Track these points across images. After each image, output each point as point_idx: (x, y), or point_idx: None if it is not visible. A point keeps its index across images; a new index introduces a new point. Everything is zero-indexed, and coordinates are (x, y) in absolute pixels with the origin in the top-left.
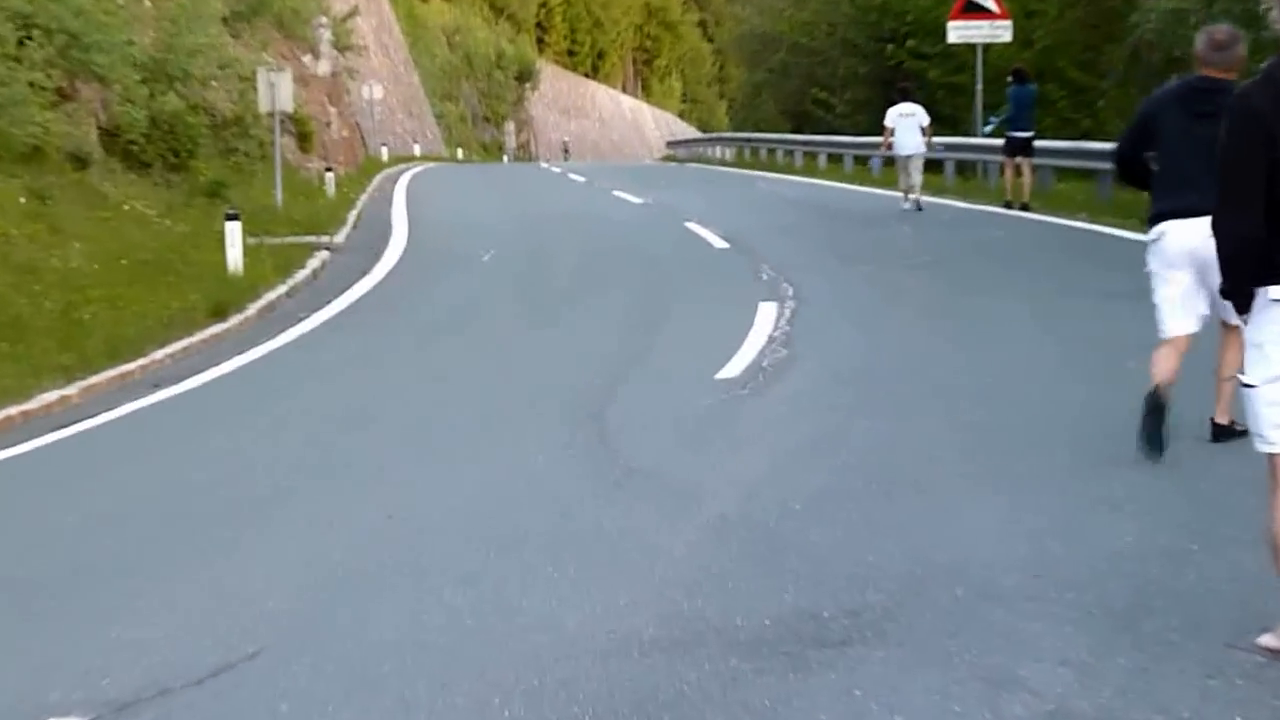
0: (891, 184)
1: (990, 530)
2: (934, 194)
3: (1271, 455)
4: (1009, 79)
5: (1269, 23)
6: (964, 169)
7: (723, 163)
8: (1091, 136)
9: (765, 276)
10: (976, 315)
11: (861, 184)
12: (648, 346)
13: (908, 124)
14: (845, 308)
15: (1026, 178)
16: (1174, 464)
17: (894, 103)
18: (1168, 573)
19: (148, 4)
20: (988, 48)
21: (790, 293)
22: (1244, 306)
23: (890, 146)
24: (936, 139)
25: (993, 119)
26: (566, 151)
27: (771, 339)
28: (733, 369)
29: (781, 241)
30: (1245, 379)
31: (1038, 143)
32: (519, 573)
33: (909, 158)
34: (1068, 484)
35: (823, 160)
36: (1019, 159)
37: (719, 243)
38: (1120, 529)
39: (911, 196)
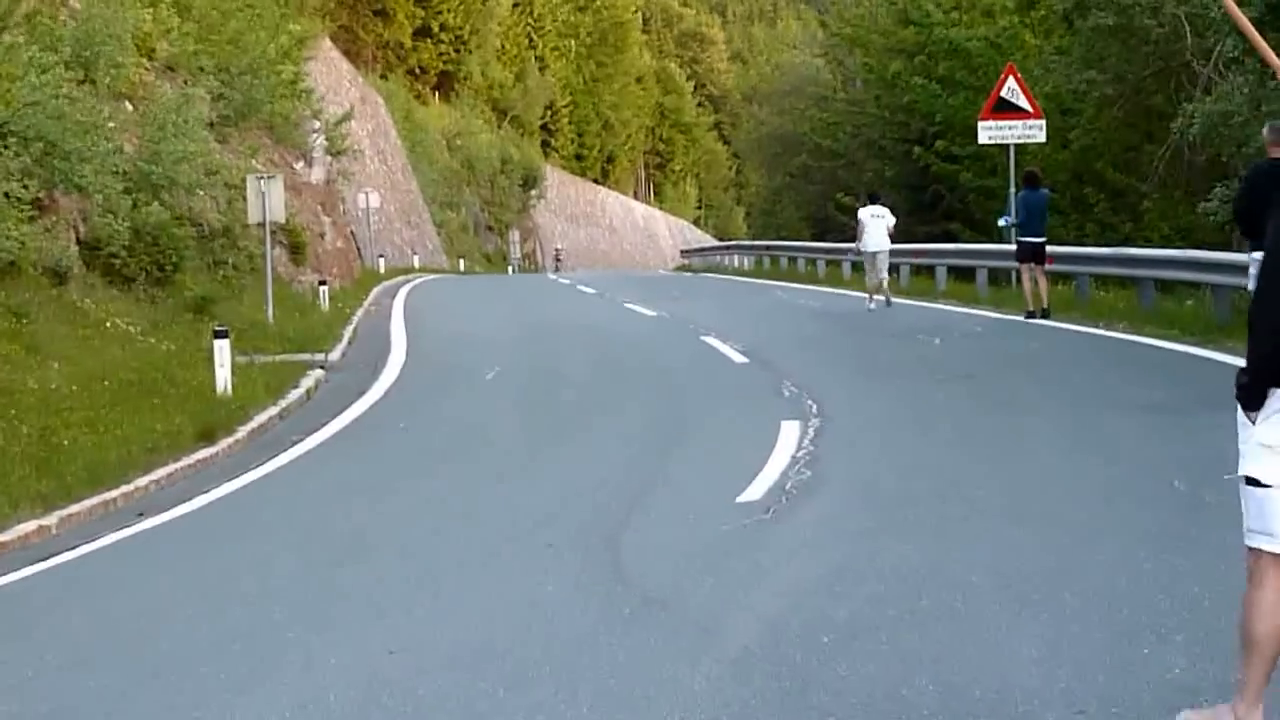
0: (925, 293)
1: (1030, 661)
2: (965, 304)
3: (1258, 554)
4: (1022, 183)
5: None
6: (997, 278)
7: (740, 272)
8: (1132, 241)
9: (787, 393)
10: (1012, 432)
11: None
12: (663, 468)
13: (876, 224)
14: (873, 426)
15: (1041, 284)
16: (1224, 590)
17: (864, 205)
18: None
19: (130, 108)
20: (1021, 149)
21: (814, 410)
22: (1255, 404)
23: (859, 247)
24: (960, 244)
25: (1006, 217)
26: (559, 260)
27: (795, 459)
28: (754, 492)
29: (804, 355)
30: (1258, 477)
31: (1071, 249)
32: (530, 711)
33: (875, 255)
34: (1113, 611)
35: (847, 269)
36: (1033, 266)
37: (738, 357)
38: (1169, 660)
39: (878, 296)
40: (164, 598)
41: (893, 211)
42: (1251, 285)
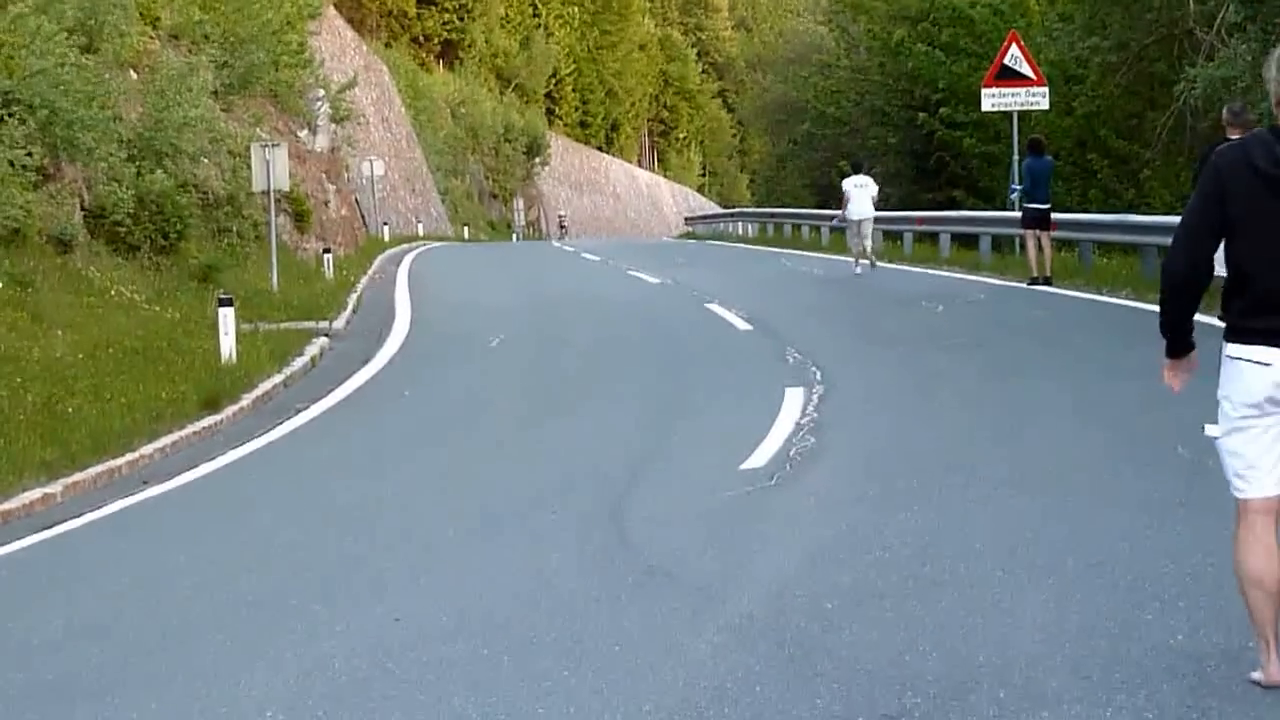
0: (928, 260)
1: (1035, 628)
2: (969, 271)
3: (1241, 500)
4: (1026, 150)
5: None
6: (1000, 245)
7: (744, 239)
8: (1135, 208)
9: (791, 360)
10: (1016, 400)
11: (892, 260)
12: (667, 436)
13: (861, 194)
14: (877, 393)
15: (1047, 251)
16: (1227, 556)
17: (847, 175)
18: (1222, 673)
19: (134, 76)
20: (1024, 116)
21: (818, 377)
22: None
23: (844, 215)
24: (964, 211)
25: (1014, 187)
26: (563, 228)
27: (799, 427)
28: (758, 459)
29: (808, 323)
30: (1210, 431)
31: (1074, 215)
32: (534, 679)
33: (860, 222)
34: (1117, 578)
35: (825, 235)
36: (1038, 232)
37: (742, 324)
38: (1173, 626)
39: (864, 261)
40: (168, 566)
41: (879, 181)
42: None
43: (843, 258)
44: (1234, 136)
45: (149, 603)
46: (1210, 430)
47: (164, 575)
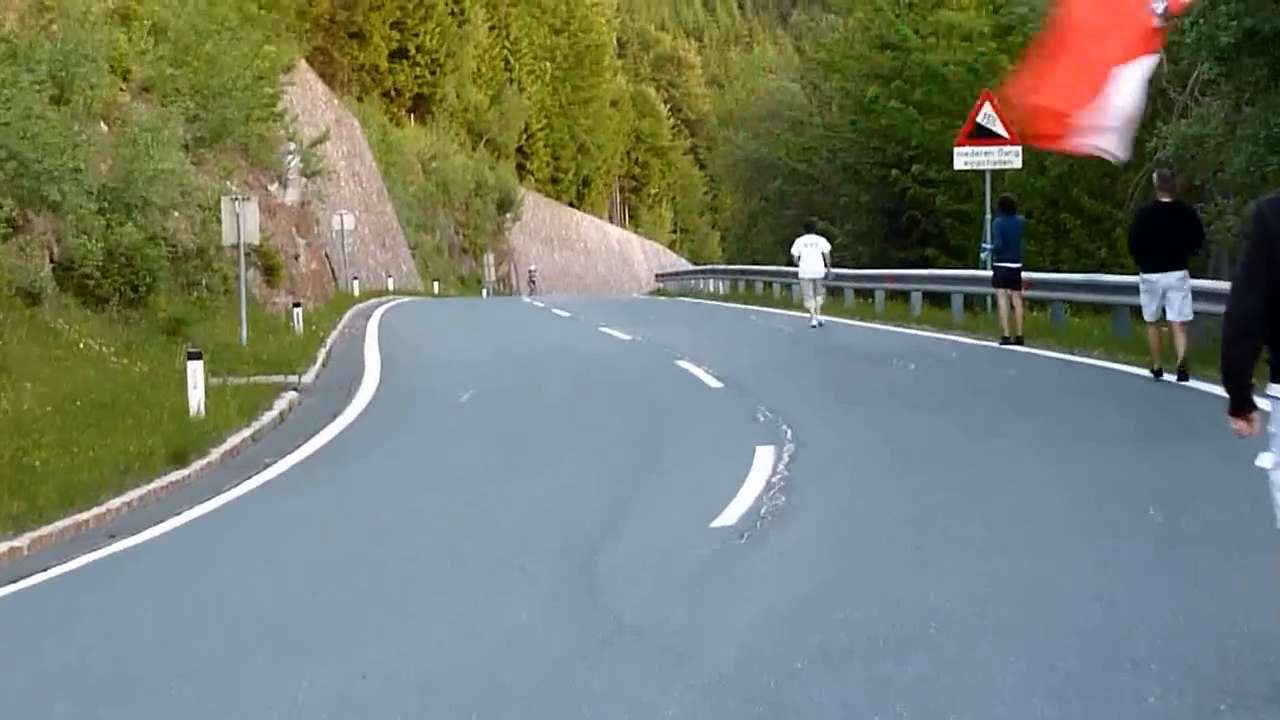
0: (899, 319)
1: (1006, 689)
2: (940, 330)
3: None
4: (997, 209)
5: None
6: (972, 303)
7: (715, 296)
8: (1108, 268)
9: (762, 418)
10: (987, 460)
11: (863, 318)
12: (637, 493)
13: (811, 252)
14: (848, 452)
15: (1018, 310)
16: (1199, 618)
17: (799, 235)
18: None
19: (104, 128)
20: (997, 174)
21: (789, 435)
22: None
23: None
24: (935, 270)
25: (985, 245)
26: (533, 282)
27: (770, 485)
28: (729, 517)
29: (779, 380)
30: (1260, 462)
31: (1046, 275)
32: None
33: (813, 281)
34: (1089, 639)
35: (777, 290)
36: (1009, 291)
37: (712, 382)
38: (1145, 687)
39: (817, 318)
40: (135, 621)
41: (850, 239)
42: (1144, 303)
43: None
44: (1164, 199)
45: (115, 658)
46: (1261, 461)
47: (130, 630)
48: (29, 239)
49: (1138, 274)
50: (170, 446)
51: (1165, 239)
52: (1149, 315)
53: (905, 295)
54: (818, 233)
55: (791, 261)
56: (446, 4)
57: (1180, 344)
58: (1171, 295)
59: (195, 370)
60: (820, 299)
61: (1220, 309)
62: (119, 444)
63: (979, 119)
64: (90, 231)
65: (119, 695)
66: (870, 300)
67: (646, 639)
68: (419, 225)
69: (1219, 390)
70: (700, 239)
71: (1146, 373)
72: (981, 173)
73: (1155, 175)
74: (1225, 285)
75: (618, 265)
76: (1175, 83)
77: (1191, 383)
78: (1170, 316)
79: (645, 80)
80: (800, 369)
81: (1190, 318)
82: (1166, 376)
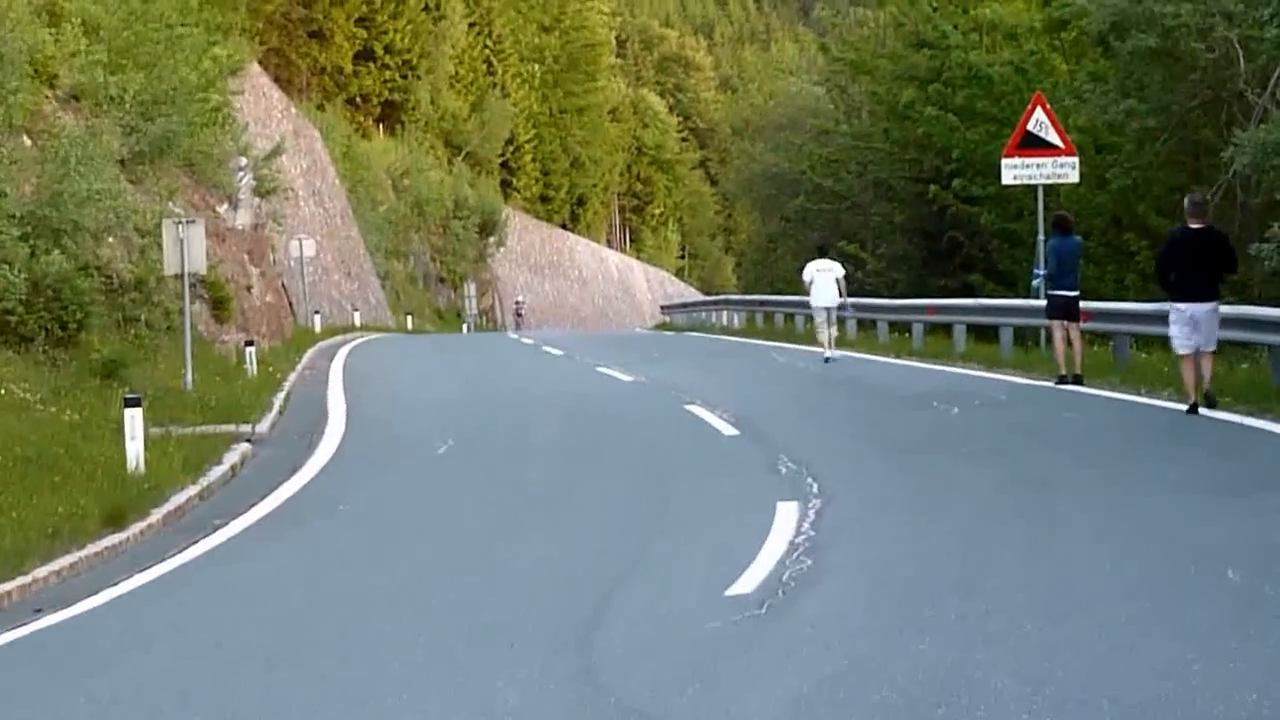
0: (940, 355)
1: None
2: (988, 368)
3: None
4: (1052, 229)
5: None
6: (1024, 338)
7: (730, 330)
8: None
9: (784, 470)
10: (1042, 516)
11: (899, 355)
12: (643, 557)
13: (825, 278)
14: (882, 508)
15: (1076, 345)
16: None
17: (812, 259)
18: None
19: (28, 143)
20: (1050, 190)
21: (815, 489)
22: None
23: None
24: (981, 299)
25: (1037, 272)
26: (520, 315)
27: (793, 546)
28: (747, 583)
29: (803, 426)
30: None
31: (1108, 304)
32: None
33: (829, 310)
34: None
35: (851, 328)
36: (1066, 323)
37: (727, 429)
38: None
39: (832, 351)
40: (64, 708)
41: (883, 263)
42: (1174, 334)
43: (842, 351)
44: (1194, 225)
45: None
46: None
47: (60, 719)
48: None
49: (1174, 307)
50: (105, 507)
51: (1197, 268)
52: (1182, 347)
53: (947, 328)
54: (833, 257)
55: (804, 289)
56: None
57: (1206, 373)
58: (1202, 327)
59: (133, 419)
60: (835, 330)
61: None
62: (46, 504)
63: (1029, 126)
64: (12, 261)
65: None
66: (907, 334)
67: None
68: (390, 251)
69: None
70: (712, 265)
71: (1226, 416)
72: (1033, 188)
73: (1187, 200)
74: None
75: (617, 295)
76: (1253, 83)
77: (1278, 426)
78: (1200, 348)
79: (648, 84)
80: (827, 413)
81: (1214, 348)
82: (1203, 410)
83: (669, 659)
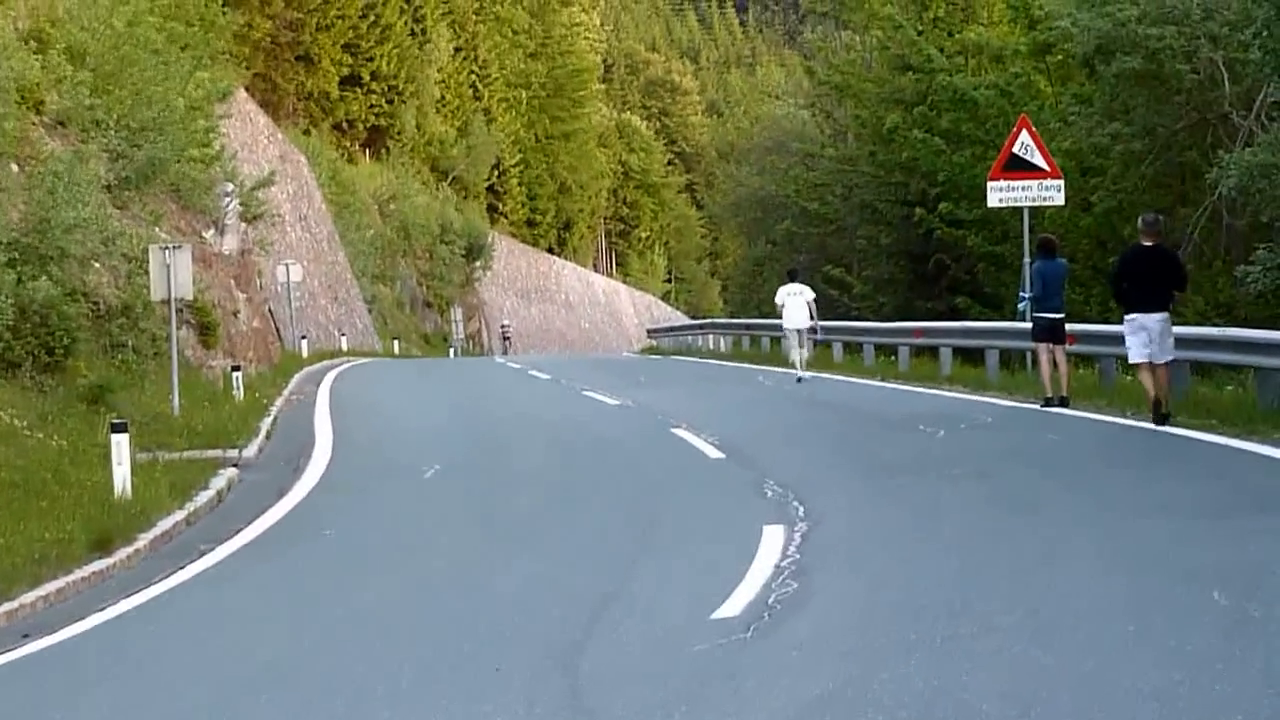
0: (927, 378)
1: None
2: (974, 391)
3: None
4: (1037, 252)
5: None
6: (1010, 360)
7: (716, 354)
8: None
9: (770, 493)
10: (1029, 539)
11: (885, 378)
12: (628, 581)
13: (795, 302)
14: (868, 531)
15: (1062, 368)
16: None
17: (784, 283)
18: None
19: (15, 170)
20: (1036, 213)
21: (801, 513)
22: None
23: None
24: (967, 322)
25: (1024, 294)
26: (507, 339)
27: (779, 570)
28: (733, 607)
29: (789, 450)
30: None
31: (1094, 327)
32: None
33: (799, 332)
34: None
35: (838, 351)
36: (1052, 346)
37: (713, 452)
38: None
39: (802, 372)
40: None
41: (870, 286)
42: (1130, 345)
43: (827, 374)
44: (1147, 243)
45: None
46: None
47: None
48: None
49: (1127, 318)
50: (92, 532)
51: (1149, 281)
52: (1138, 356)
53: (933, 351)
54: (801, 281)
55: (776, 313)
56: (405, 23)
57: (1160, 388)
58: (1155, 336)
59: (120, 444)
60: (806, 351)
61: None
62: (33, 530)
63: (1015, 149)
64: None
65: None
66: (893, 358)
67: None
68: (376, 276)
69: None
70: (698, 289)
71: (1211, 438)
72: (1018, 211)
73: (1140, 219)
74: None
75: (604, 320)
76: (1238, 105)
77: (1264, 448)
78: (1152, 359)
79: (634, 108)
80: (813, 436)
81: (1171, 358)
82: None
83: (655, 681)
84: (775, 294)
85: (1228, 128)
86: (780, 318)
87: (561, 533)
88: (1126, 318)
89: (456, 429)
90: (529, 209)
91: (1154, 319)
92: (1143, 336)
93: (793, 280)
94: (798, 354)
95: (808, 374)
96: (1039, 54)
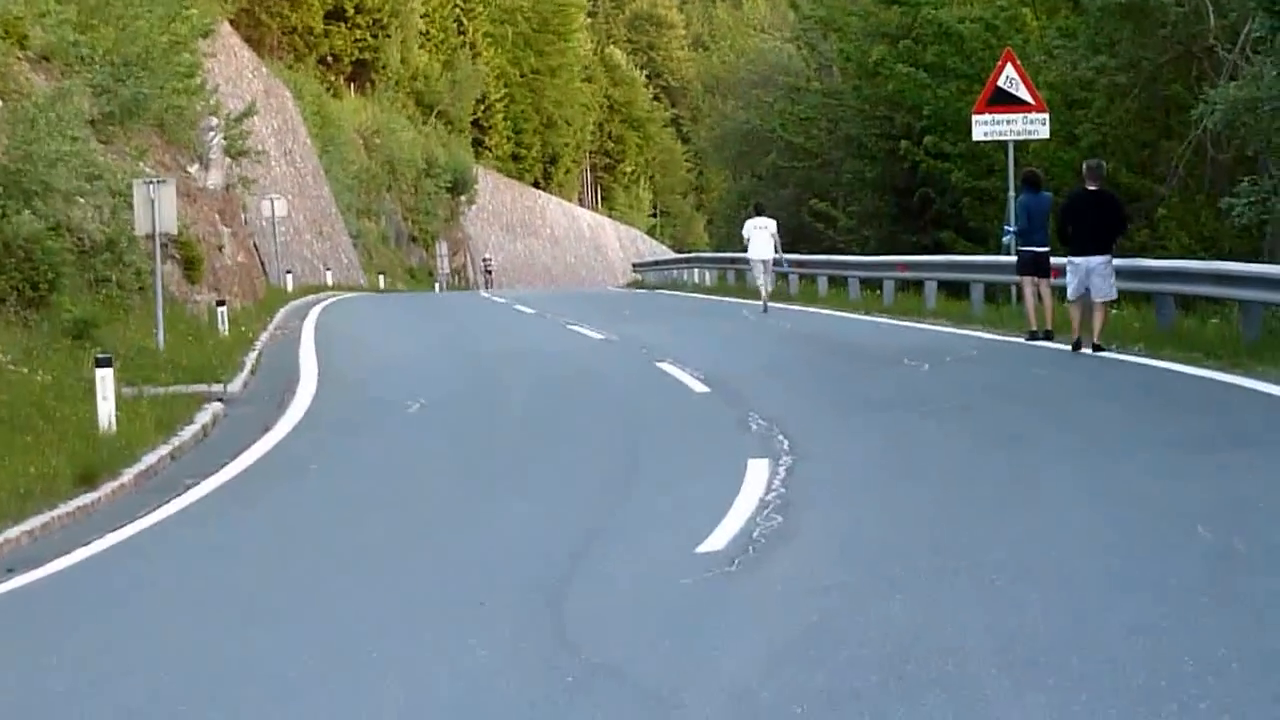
0: (911, 312)
1: None
2: (958, 324)
3: None
4: (1022, 186)
5: None
6: (994, 294)
7: (701, 288)
8: (1148, 252)
9: (755, 427)
10: (1013, 473)
11: (870, 312)
12: (613, 515)
13: (760, 235)
14: (853, 465)
15: (1047, 301)
16: (1255, 651)
17: (750, 216)
18: None
19: None
20: (1021, 146)
21: (785, 446)
22: None
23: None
24: (951, 256)
25: (1008, 229)
26: (488, 273)
27: (764, 504)
28: (717, 541)
29: (774, 384)
30: None
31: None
32: None
33: (765, 263)
34: (1128, 677)
35: (823, 285)
36: (1037, 279)
37: (698, 386)
38: None
39: (767, 302)
40: (37, 670)
41: (855, 220)
42: (1069, 283)
43: (813, 308)
44: (1092, 188)
45: (15, 712)
46: None
47: (33, 679)
48: None
49: (1070, 260)
50: (77, 467)
51: (1092, 225)
52: (1072, 294)
53: (918, 285)
54: (767, 215)
55: (744, 246)
56: None
57: (1098, 321)
58: (1094, 277)
59: (105, 379)
60: (770, 281)
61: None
62: (17, 465)
63: (1000, 83)
64: None
65: None
66: (878, 291)
67: (624, 682)
68: (361, 211)
69: (1272, 389)
70: (684, 223)
71: (1196, 371)
72: (1003, 144)
73: (1085, 165)
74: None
75: (589, 254)
76: (1224, 39)
77: (1248, 381)
78: (1093, 296)
79: (620, 42)
80: (799, 371)
81: (1113, 297)
82: (1085, 352)
83: (640, 616)
84: (743, 227)
85: (1213, 61)
86: (747, 250)
87: (547, 468)
88: (1069, 260)
89: (442, 364)
90: (514, 144)
91: (1096, 261)
92: (1080, 278)
93: (759, 214)
94: (763, 284)
95: (772, 304)
96: None
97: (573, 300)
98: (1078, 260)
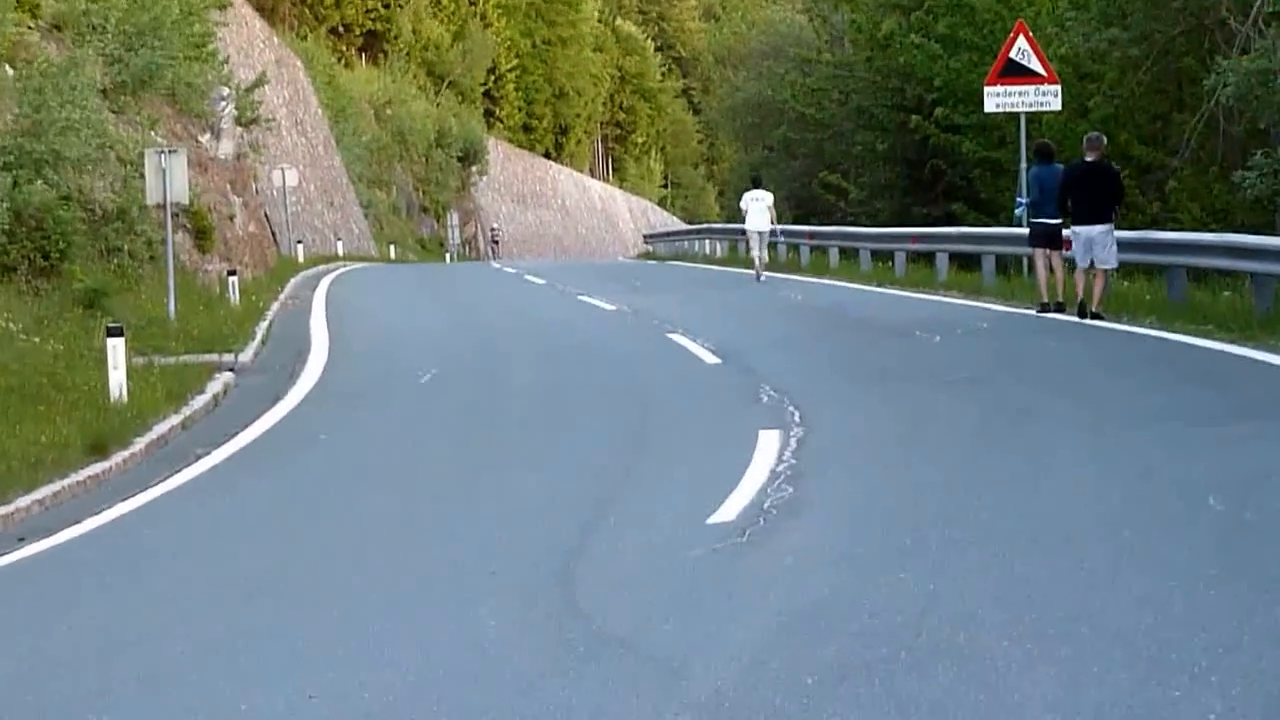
0: (923, 284)
1: (1045, 707)
2: (970, 296)
3: None
4: (1034, 158)
5: None
6: (1006, 266)
7: (712, 260)
8: (1160, 224)
9: (766, 398)
10: (1024, 446)
11: (881, 284)
12: (623, 486)
13: (757, 206)
14: (863, 437)
15: (1059, 273)
16: (1267, 624)
17: (748, 189)
18: None
19: (9, 71)
20: (1033, 118)
21: (796, 418)
22: None
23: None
24: (963, 228)
25: (1020, 200)
26: (496, 243)
27: (775, 475)
28: (728, 512)
29: (785, 355)
30: None
31: None
32: None
33: (760, 234)
34: (1139, 648)
35: (834, 256)
36: (1049, 251)
37: (709, 358)
38: (1204, 703)
39: (760, 271)
40: (48, 636)
41: (865, 191)
42: (1075, 252)
43: (825, 280)
44: (1090, 159)
45: (23, 681)
46: None
47: (43, 647)
48: None
49: (1072, 229)
50: (88, 436)
51: (1091, 195)
52: (1081, 262)
53: (929, 257)
54: (763, 187)
55: (740, 217)
56: None
57: (1098, 289)
58: (1095, 246)
59: (116, 348)
60: (765, 254)
61: None
62: (29, 434)
63: (1012, 54)
64: None
65: None
66: (889, 263)
67: (634, 652)
68: (372, 181)
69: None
70: (695, 195)
71: (1207, 343)
72: (1015, 116)
73: (1085, 138)
74: None
75: (600, 225)
76: (1236, 11)
77: (1260, 354)
78: (1095, 264)
79: (630, 13)
80: (810, 343)
81: (1114, 265)
82: (1090, 320)
83: (651, 587)
84: (741, 199)
85: (1225, 33)
86: (744, 221)
87: (558, 439)
88: (1072, 230)
89: (452, 334)
90: (525, 114)
91: (1096, 230)
92: (1084, 247)
93: (756, 186)
94: (758, 254)
95: (785, 276)
96: None
97: (583, 271)
98: (1079, 230)
